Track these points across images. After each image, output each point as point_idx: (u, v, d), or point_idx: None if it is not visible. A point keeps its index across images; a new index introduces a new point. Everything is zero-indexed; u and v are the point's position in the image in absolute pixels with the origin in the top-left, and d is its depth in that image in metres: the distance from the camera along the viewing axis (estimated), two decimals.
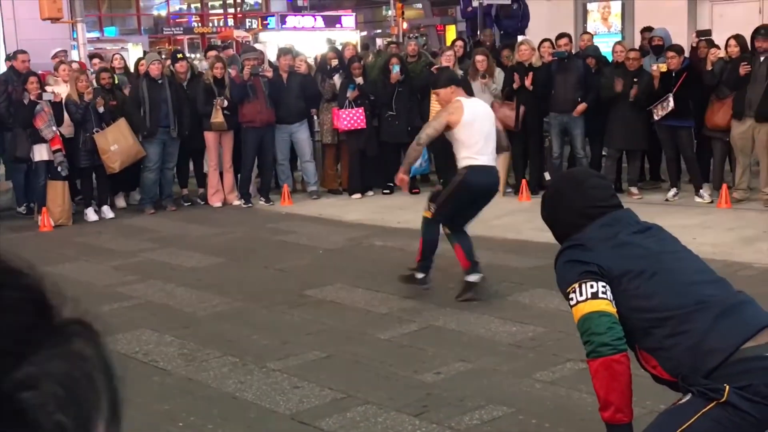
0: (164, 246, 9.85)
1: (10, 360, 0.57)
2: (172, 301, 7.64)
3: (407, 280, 7.47)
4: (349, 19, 33.67)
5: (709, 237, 8.75)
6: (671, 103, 10.23)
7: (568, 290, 3.29)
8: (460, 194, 7.10)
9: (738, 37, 10.44)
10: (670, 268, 3.30)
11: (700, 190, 10.58)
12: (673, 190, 10.81)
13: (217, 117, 11.38)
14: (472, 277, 7.22)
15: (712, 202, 10.41)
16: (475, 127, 7.02)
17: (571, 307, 3.28)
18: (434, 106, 11.79)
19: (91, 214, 11.37)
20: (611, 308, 3.20)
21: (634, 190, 11.07)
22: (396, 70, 11.68)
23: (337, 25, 32.58)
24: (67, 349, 0.60)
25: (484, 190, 7.16)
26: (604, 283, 3.23)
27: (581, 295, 3.23)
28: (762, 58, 9.81)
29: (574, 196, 3.52)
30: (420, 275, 7.39)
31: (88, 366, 0.60)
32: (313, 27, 31.56)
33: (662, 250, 3.36)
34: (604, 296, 3.21)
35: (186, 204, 12.23)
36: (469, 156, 7.05)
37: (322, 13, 34.20)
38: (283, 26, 31.51)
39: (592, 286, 3.22)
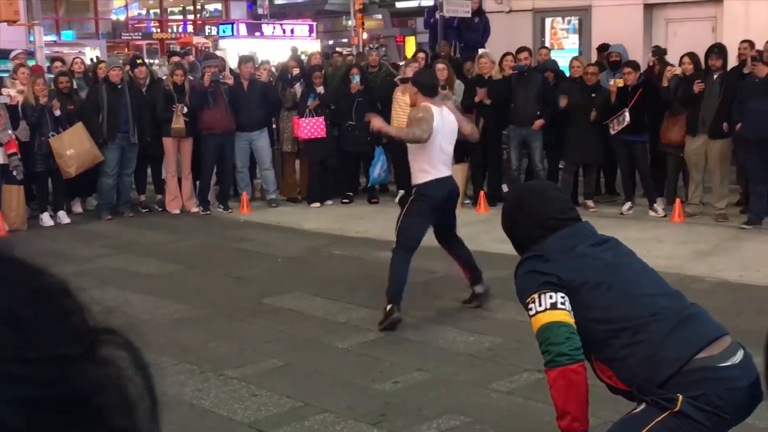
0: (121, 252, 9.78)
1: (81, 364, 0.59)
2: (129, 308, 7.57)
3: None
4: (269, 27, 33.40)
5: (663, 250, 8.90)
6: (627, 118, 10.40)
7: (527, 300, 3.34)
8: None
9: (692, 55, 10.65)
10: (626, 280, 3.37)
11: (654, 204, 10.75)
12: (628, 204, 10.97)
13: (178, 123, 11.33)
14: (479, 288, 7.28)
15: (665, 216, 10.59)
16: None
17: (530, 317, 3.33)
18: (395, 114, 11.88)
19: (46, 219, 11.24)
20: (569, 319, 3.26)
21: (590, 203, 11.22)
22: (356, 80, 11.74)
23: (257, 34, 32.48)
24: (108, 354, 0.62)
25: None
26: (562, 294, 3.29)
27: (540, 305, 3.28)
28: (715, 76, 10.01)
29: (534, 208, 3.58)
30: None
31: (128, 372, 0.63)
32: (237, 34, 31.39)
33: (619, 263, 3.44)
34: (563, 307, 3.27)
35: (143, 210, 12.15)
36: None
37: (247, 21, 34.15)
38: (222, 36, 31.41)
39: (551, 297, 3.28)
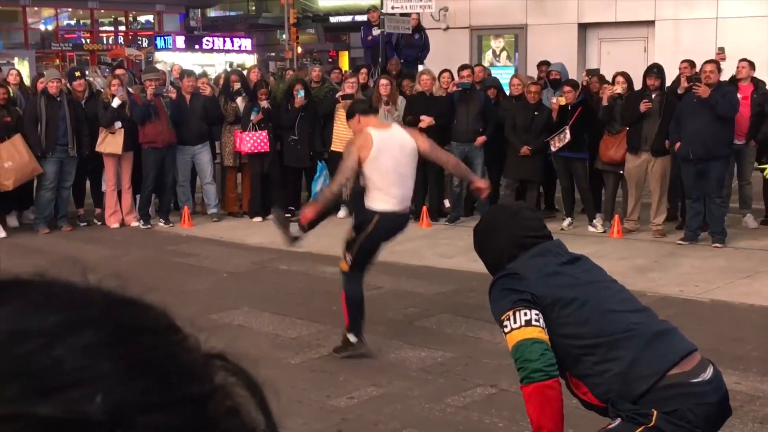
0: (59, 268, 9.57)
1: (214, 401, 0.58)
2: None
3: (342, 349, 6.56)
4: (209, 41, 33.04)
5: (604, 265, 8.78)
6: (568, 136, 10.58)
7: (502, 318, 3.39)
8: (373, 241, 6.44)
9: (624, 74, 10.88)
10: (598, 297, 3.45)
11: (594, 220, 10.94)
12: (568, 220, 11.15)
13: (113, 146, 11.22)
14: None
15: (604, 231, 10.78)
16: (382, 162, 6.26)
17: (505, 334, 3.38)
18: (337, 130, 11.90)
19: None
20: (544, 335, 3.32)
21: None
22: (300, 94, 11.73)
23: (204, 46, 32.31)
24: (224, 382, 0.60)
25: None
26: (537, 311, 3.35)
27: (515, 322, 3.33)
28: (654, 95, 10.24)
29: (508, 227, 3.64)
30: (353, 339, 6.50)
31: (244, 398, 0.61)
32: (174, 47, 31.10)
33: (591, 280, 3.52)
34: (537, 324, 3.32)
35: (82, 224, 11.93)
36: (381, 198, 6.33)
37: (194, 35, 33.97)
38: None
39: (525, 314, 3.33)
